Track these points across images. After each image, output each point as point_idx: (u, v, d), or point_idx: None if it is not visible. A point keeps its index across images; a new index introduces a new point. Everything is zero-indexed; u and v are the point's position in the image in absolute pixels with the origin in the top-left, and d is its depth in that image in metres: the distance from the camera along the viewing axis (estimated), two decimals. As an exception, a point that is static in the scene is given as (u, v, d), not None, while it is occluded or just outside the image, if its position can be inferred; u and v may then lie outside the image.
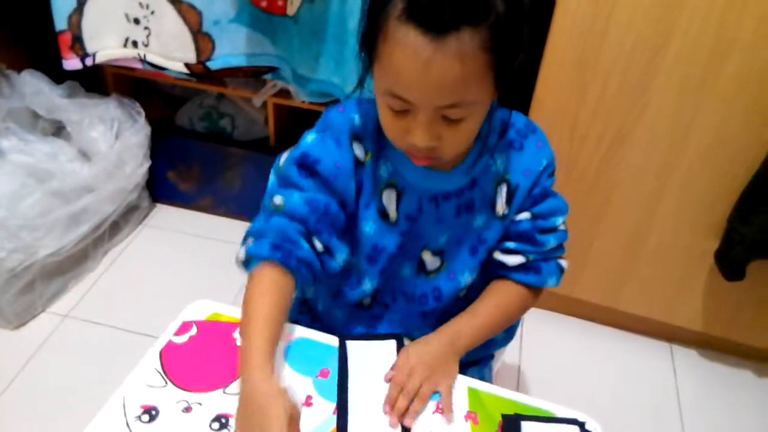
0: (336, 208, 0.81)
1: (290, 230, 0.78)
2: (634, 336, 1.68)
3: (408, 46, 0.63)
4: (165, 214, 1.96)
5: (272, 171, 0.86)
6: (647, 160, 1.35)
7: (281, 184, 0.82)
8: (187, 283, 1.69)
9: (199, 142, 1.87)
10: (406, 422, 0.75)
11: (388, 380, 0.79)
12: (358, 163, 0.82)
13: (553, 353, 1.62)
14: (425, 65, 0.63)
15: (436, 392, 0.79)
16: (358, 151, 0.82)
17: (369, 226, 0.84)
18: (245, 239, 0.81)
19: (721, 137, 1.28)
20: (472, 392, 0.81)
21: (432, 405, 0.78)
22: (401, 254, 0.86)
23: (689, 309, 1.54)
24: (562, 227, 0.87)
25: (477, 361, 0.99)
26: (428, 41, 0.62)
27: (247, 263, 0.79)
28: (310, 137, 0.83)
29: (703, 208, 1.38)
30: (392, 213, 0.84)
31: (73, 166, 1.62)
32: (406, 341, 0.86)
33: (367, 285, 0.89)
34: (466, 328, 0.85)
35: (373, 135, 0.81)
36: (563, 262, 0.89)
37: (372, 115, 0.80)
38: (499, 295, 0.88)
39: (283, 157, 0.84)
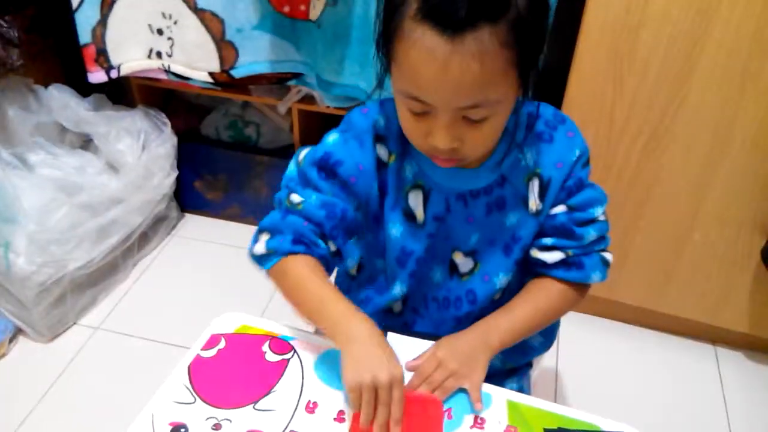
0: (353, 213, 0.80)
1: (306, 231, 0.78)
2: (677, 339, 1.63)
3: (424, 46, 0.61)
4: (193, 223, 1.97)
5: (292, 161, 0.85)
6: (689, 155, 1.30)
7: (301, 182, 0.82)
8: (217, 292, 1.69)
9: (225, 151, 1.87)
10: None
11: (410, 368, 0.77)
12: (381, 165, 0.80)
13: (591, 359, 1.57)
14: (443, 66, 0.61)
15: (463, 390, 0.76)
16: (382, 152, 0.80)
17: (396, 228, 0.82)
18: (258, 234, 0.81)
19: (766, 130, 1.23)
20: (512, 405, 0.77)
21: (470, 419, 0.74)
22: (430, 257, 0.84)
23: (734, 310, 1.48)
24: (601, 218, 0.82)
25: (515, 369, 0.96)
26: (445, 41, 0.60)
27: (267, 258, 0.79)
28: (332, 137, 0.81)
29: (748, 203, 1.33)
30: (419, 214, 0.81)
31: (101, 178, 1.64)
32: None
33: (397, 289, 0.86)
34: (500, 324, 0.81)
35: (397, 136, 0.79)
36: (608, 255, 0.84)
37: (395, 116, 0.77)
38: (538, 293, 0.84)
39: (303, 154, 0.83)
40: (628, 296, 1.55)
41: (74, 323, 1.60)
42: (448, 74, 0.61)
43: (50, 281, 1.48)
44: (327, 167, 0.79)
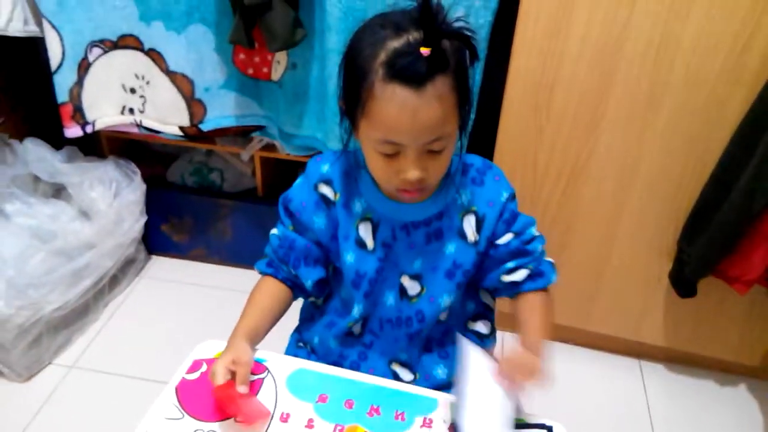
0: (304, 243, 0.99)
1: (274, 257, 1.01)
2: (605, 354, 1.78)
3: (396, 100, 0.78)
4: (160, 264, 2.05)
5: None
6: (602, 192, 1.49)
7: (280, 217, 1.03)
8: (184, 328, 1.77)
9: (191, 196, 1.98)
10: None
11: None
12: (328, 203, 0.98)
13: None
14: (413, 112, 0.78)
15: (413, 393, 0.90)
16: (328, 192, 0.97)
17: (350, 255, 0.97)
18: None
19: (665, 169, 1.43)
20: (454, 406, 0.89)
21: (420, 420, 0.86)
22: (382, 279, 0.98)
23: (653, 326, 1.66)
24: (537, 234, 1.00)
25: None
26: (412, 92, 0.77)
27: (259, 272, 1.04)
28: (297, 181, 1.02)
29: (655, 232, 1.52)
30: (369, 242, 0.97)
31: (74, 225, 1.72)
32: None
33: (355, 310, 1.00)
34: (538, 331, 0.92)
35: (341, 178, 0.97)
36: (551, 260, 1.01)
37: (342, 162, 0.96)
38: (535, 305, 0.97)
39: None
40: (559, 316, 1.65)
41: (50, 363, 1.65)
42: (417, 118, 0.78)
43: (28, 323, 1.54)
44: (284, 205, 1.01)
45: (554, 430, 0.89)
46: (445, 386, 1.05)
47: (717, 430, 1.60)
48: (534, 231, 0.99)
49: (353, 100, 0.83)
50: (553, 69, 1.36)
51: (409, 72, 0.77)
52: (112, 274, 1.83)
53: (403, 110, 0.78)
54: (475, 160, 0.99)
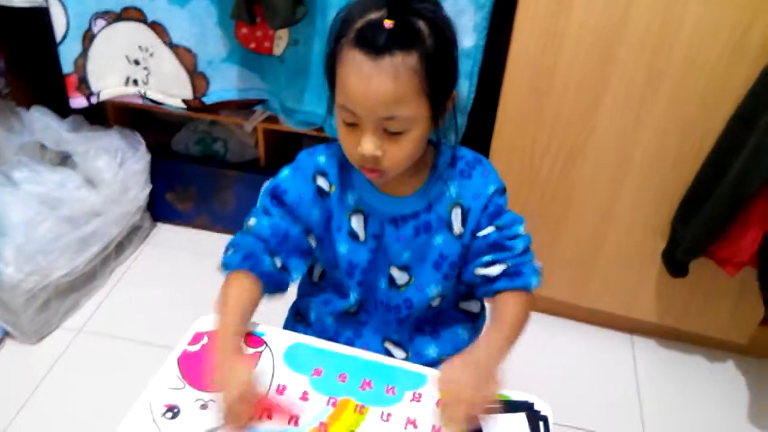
0: (297, 232, 0.98)
1: (257, 248, 0.95)
2: (598, 329, 1.82)
3: (354, 65, 0.80)
4: (165, 232, 2.08)
5: (260, 193, 1.03)
6: (599, 171, 1.51)
7: (258, 209, 1.00)
8: (188, 295, 1.77)
9: (195, 166, 2.00)
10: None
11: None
12: (324, 194, 0.98)
13: (519, 347, 1.72)
14: (367, 80, 0.79)
15: (402, 368, 0.90)
16: (323, 183, 0.98)
17: (343, 246, 0.99)
18: (226, 249, 0.99)
19: (661, 150, 1.44)
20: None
21: (409, 395, 0.89)
22: (373, 269, 1.01)
23: (646, 302, 1.68)
24: (524, 233, 0.99)
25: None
26: (368, 60, 0.79)
27: (225, 269, 0.97)
28: (284, 172, 1.00)
29: (650, 212, 1.54)
30: (361, 234, 0.99)
31: (80, 193, 1.74)
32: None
33: (352, 297, 1.03)
34: (493, 349, 0.90)
35: (336, 170, 0.98)
36: (537, 264, 0.99)
37: (337, 155, 0.96)
38: (505, 311, 0.94)
39: (264, 186, 1.01)
40: (554, 292, 1.73)
41: (58, 326, 1.69)
42: (369, 87, 0.80)
43: (37, 288, 1.59)
44: (276, 195, 0.98)
45: (535, 406, 0.91)
46: (436, 364, 1.08)
47: (705, 405, 1.64)
48: (520, 229, 0.98)
49: (330, 60, 0.85)
50: (553, 51, 1.36)
51: (368, 40, 0.78)
52: (119, 241, 1.87)
53: (359, 77, 0.80)
54: (466, 154, 1.00)
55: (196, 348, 0.97)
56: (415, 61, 0.79)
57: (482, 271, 0.96)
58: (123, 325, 1.72)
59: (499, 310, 0.96)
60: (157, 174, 1.97)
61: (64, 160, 1.84)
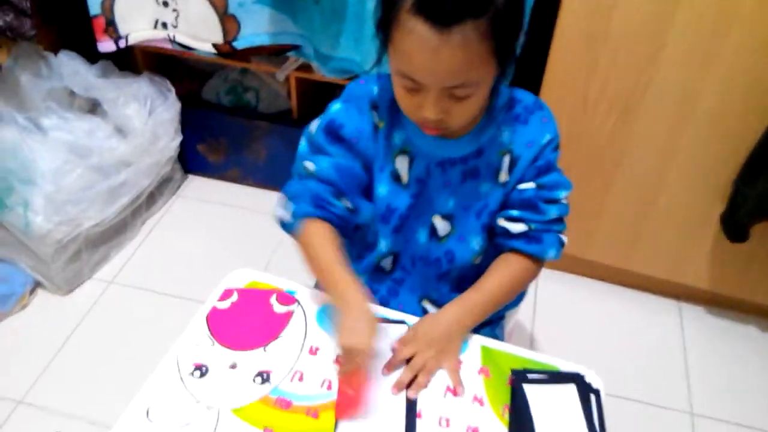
0: (360, 169, 0.92)
1: (324, 192, 0.90)
2: (645, 295, 1.75)
3: (417, 36, 0.71)
4: (196, 184, 2.05)
5: (303, 136, 0.96)
6: (656, 127, 1.40)
7: (312, 150, 0.93)
8: (219, 248, 1.79)
9: (226, 116, 1.95)
10: (410, 393, 0.81)
11: (393, 350, 0.85)
12: (375, 129, 0.91)
13: (565, 313, 1.69)
14: (433, 53, 0.71)
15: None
16: (375, 118, 0.91)
17: (383, 188, 0.93)
18: (281, 200, 0.93)
19: (726, 105, 1.33)
20: (485, 350, 0.89)
21: (442, 386, 0.83)
22: (413, 216, 0.94)
23: (697, 268, 1.60)
24: (564, 201, 0.92)
25: (489, 322, 1.04)
26: (435, 33, 0.70)
27: (291, 223, 0.91)
28: (335, 107, 0.93)
29: (710, 171, 1.43)
30: (404, 176, 0.92)
31: (110, 142, 1.71)
32: (412, 319, 0.92)
33: (382, 245, 0.97)
34: (473, 305, 0.90)
35: (387, 106, 0.90)
36: (564, 237, 0.94)
37: (388, 89, 0.88)
38: (503, 269, 0.93)
39: (311, 126, 0.94)
40: (600, 255, 1.66)
41: (89, 278, 1.70)
42: (437, 61, 0.72)
43: (66, 238, 1.58)
44: (333, 132, 0.91)
45: (586, 378, 0.86)
46: (479, 328, 1.04)
47: (754, 376, 1.58)
48: (561, 195, 0.91)
49: (384, 22, 0.77)
50: (612, -9, 1.24)
51: (435, 9, 0.69)
52: (149, 192, 1.84)
53: (422, 49, 0.72)
54: (525, 97, 0.91)
55: (225, 305, 0.94)
56: (486, 25, 0.71)
57: (505, 223, 0.92)
58: (154, 278, 1.71)
59: (494, 269, 0.94)
60: (188, 124, 1.93)
61: (93, 107, 1.81)
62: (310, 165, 0.91)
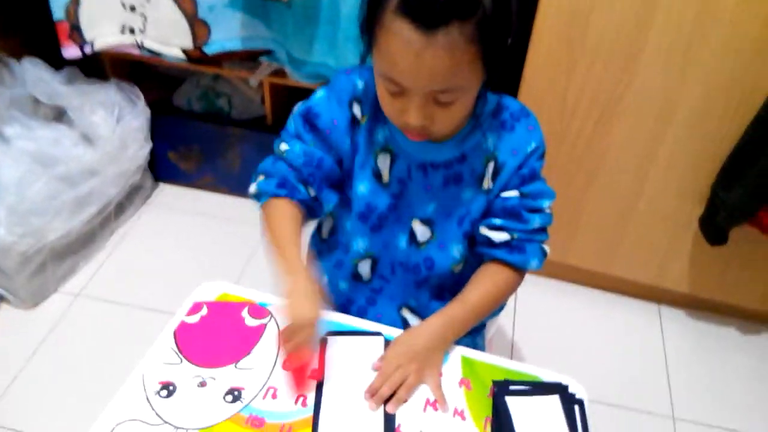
0: (331, 162, 0.89)
1: (290, 176, 0.88)
2: (626, 299, 1.74)
3: (401, 38, 0.68)
4: (168, 193, 2.00)
5: (291, 114, 0.93)
6: (635, 131, 1.39)
7: (290, 132, 0.91)
8: (192, 259, 1.75)
9: (198, 123, 1.90)
10: (389, 407, 0.78)
11: (376, 369, 0.82)
12: (355, 123, 0.88)
13: (546, 318, 1.67)
14: (417, 56, 0.68)
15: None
16: (357, 111, 0.88)
17: (363, 185, 0.90)
18: (255, 175, 0.92)
19: (705, 109, 1.32)
20: (465, 360, 0.86)
21: (421, 401, 0.81)
22: (393, 219, 0.91)
23: (677, 272, 1.59)
24: (548, 211, 0.90)
25: (470, 331, 1.04)
26: (420, 35, 0.67)
27: (259, 196, 0.91)
28: (319, 94, 0.91)
29: (689, 175, 1.43)
30: (385, 175, 0.89)
31: (76, 150, 1.65)
32: (389, 330, 0.89)
33: (359, 244, 0.94)
34: (455, 318, 0.87)
35: (372, 101, 0.87)
36: (546, 247, 0.92)
37: (373, 83, 0.84)
38: (486, 280, 0.91)
39: (298, 106, 0.92)
40: (580, 260, 1.65)
41: (55, 291, 1.63)
42: (421, 63, 0.69)
43: (31, 250, 1.52)
44: (309, 120, 0.89)
45: (570, 389, 0.84)
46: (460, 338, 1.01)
47: (735, 378, 1.57)
48: (544, 205, 0.89)
49: (368, 23, 0.74)
50: (589, -6, 1.23)
51: (420, 10, 0.66)
52: (118, 202, 1.79)
53: (406, 51, 0.69)
54: (512, 104, 0.89)
55: (194, 319, 0.90)
56: (473, 28, 0.68)
57: (487, 232, 0.90)
58: (123, 290, 1.66)
59: (477, 280, 0.91)
60: (158, 132, 1.88)
61: (59, 115, 1.75)
62: (283, 146, 0.90)
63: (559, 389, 0.84)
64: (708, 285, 1.60)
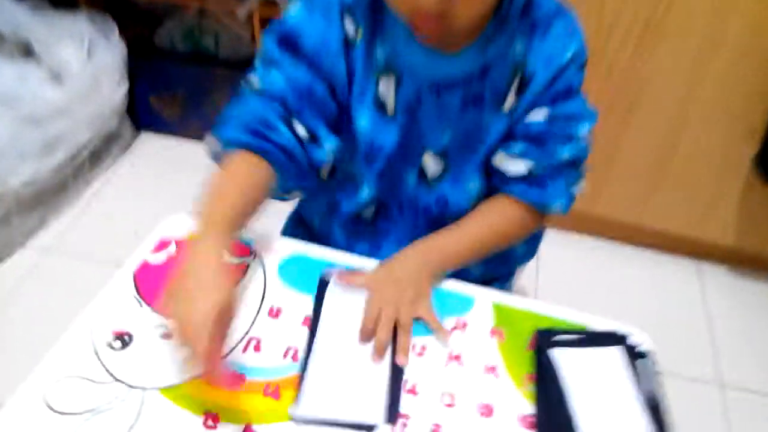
0: (323, 90, 0.69)
1: (268, 113, 0.67)
2: (661, 255, 1.60)
3: None
4: (150, 143, 1.84)
5: (261, 42, 0.73)
6: (681, 53, 1.22)
7: (262, 62, 0.70)
8: (174, 214, 1.59)
9: (182, 64, 1.74)
10: (399, 360, 0.64)
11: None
12: (348, 41, 0.69)
13: (569, 280, 1.53)
14: None
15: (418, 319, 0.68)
16: (350, 26, 0.69)
17: (364, 120, 0.72)
18: (219, 124, 0.70)
19: (762, 24, 1.15)
20: (498, 307, 0.71)
21: (451, 322, 0.68)
22: (402, 156, 0.74)
23: (721, 222, 1.44)
24: (584, 139, 0.73)
25: (496, 278, 0.87)
26: None
27: (218, 156, 0.69)
28: (294, 9, 0.69)
29: (742, 107, 1.26)
30: (390, 104, 0.71)
31: (43, 89, 1.50)
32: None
33: (365, 192, 0.77)
34: (444, 244, 0.74)
35: (366, 9, 0.68)
36: (576, 187, 0.75)
37: None
38: (492, 211, 0.76)
39: (266, 31, 0.71)
40: (610, 209, 1.49)
41: (22, 245, 1.50)
42: None
43: (-8, 198, 1.37)
44: (289, 42, 0.68)
45: (631, 339, 0.69)
46: (478, 285, 0.84)
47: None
48: (581, 131, 0.72)
49: None
50: None
51: None
52: (93, 150, 1.64)
53: None
54: (548, 2, 0.70)
55: (160, 258, 0.76)
56: None
57: (504, 160, 0.73)
58: (98, 247, 1.51)
59: (480, 211, 0.77)
60: (139, 74, 1.72)
61: (25, 51, 1.58)
62: (255, 80, 0.69)
63: (619, 339, 0.67)
64: (756, 237, 1.45)
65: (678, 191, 1.42)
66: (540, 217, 0.77)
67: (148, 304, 0.68)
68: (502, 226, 0.76)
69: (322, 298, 0.69)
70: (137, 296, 0.70)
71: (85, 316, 0.68)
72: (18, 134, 1.41)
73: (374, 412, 0.59)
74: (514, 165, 0.72)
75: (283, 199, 0.78)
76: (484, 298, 0.72)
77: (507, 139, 0.73)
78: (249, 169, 0.67)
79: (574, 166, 0.74)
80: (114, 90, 1.61)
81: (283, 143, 0.67)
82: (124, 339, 0.65)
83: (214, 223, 0.62)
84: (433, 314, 0.68)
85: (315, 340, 0.65)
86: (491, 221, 0.76)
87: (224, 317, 0.55)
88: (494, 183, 0.76)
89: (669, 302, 1.50)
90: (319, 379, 0.61)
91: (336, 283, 0.71)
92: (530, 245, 0.88)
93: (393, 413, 0.59)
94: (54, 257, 1.48)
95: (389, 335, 0.65)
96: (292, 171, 0.69)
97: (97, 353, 0.63)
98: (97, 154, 1.66)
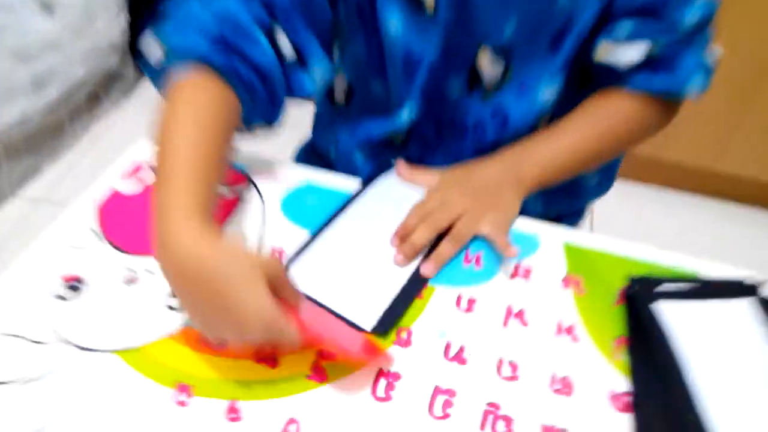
0: None
1: (242, 13, 0.48)
2: (738, 207, 1.47)
3: None
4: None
5: None
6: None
7: None
8: None
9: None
10: (424, 269, 0.51)
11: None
12: None
13: (633, 235, 1.36)
14: None
15: (477, 237, 0.54)
16: None
17: (395, 23, 0.55)
18: (166, 30, 0.51)
19: None
20: (571, 250, 0.55)
21: (509, 268, 0.52)
22: (447, 61, 0.57)
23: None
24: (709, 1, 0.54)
25: (563, 215, 0.71)
26: None
27: (161, 69, 0.50)
28: None
29: None
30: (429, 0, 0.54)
31: (33, 20, 1.40)
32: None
33: (405, 114, 0.60)
34: (539, 152, 0.59)
35: None
36: (709, 55, 0.57)
37: None
38: (603, 109, 0.60)
39: None
40: (682, 154, 1.34)
41: (12, 194, 1.42)
42: None
43: (-24, 139, 1.29)
44: None
45: (762, 289, 0.51)
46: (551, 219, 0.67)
47: None
48: None
49: None
50: None
51: None
52: (91, 90, 1.55)
53: None
54: None
55: (132, 187, 0.60)
56: None
57: (610, 50, 0.57)
58: (97, 196, 1.40)
59: (585, 106, 0.60)
60: (143, 7, 1.60)
61: (13, -22, 1.45)
62: None
63: (748, 290, 0.49)
64: None
65: (760, 131, 1.25)
66: (672, 108, 0.62)
67: (110, 241, 0.52)
68: (621, 127, 0.60)
69: (368, 186, 0.58)
70: (97, 230, 0.54)
71: (25, 257, 0.52)
72: (5, 69, 1.33)
73: (367, 315, 0.47)
74: (625, 52, 0.56)
75: (273, 119, 0.59)
76: (553, 237, 0.55)
77: (604, 21, 0.56)
78: (212, 99, 0.47)
79: (700, 33, 0.56)
80: (110, 21, 1.52)
81: (258, 62, 0.49)
82: (74, 286, 0.49)
83: (183, 193, 0.43)
84: (502, 233, 0.54)
85: (339, 218, 0.54)
86: (601, 117, 0.60)
87: (282, 290, 0.41)
88: (604, 80, 0.60)
89: (748, 258, 1.33)
90: (324, 255, 0.51)
91: (393, 176, 0.59)
92: (605, 175, 0.70)
93: (387, 324, 0.47)
94: (46, 209, 1.39)
95: (428, 241, 0.53)
96: (263, 102, 0.51)
97: (38, 305, 0.48)
98: (95, 95, 1.58)
